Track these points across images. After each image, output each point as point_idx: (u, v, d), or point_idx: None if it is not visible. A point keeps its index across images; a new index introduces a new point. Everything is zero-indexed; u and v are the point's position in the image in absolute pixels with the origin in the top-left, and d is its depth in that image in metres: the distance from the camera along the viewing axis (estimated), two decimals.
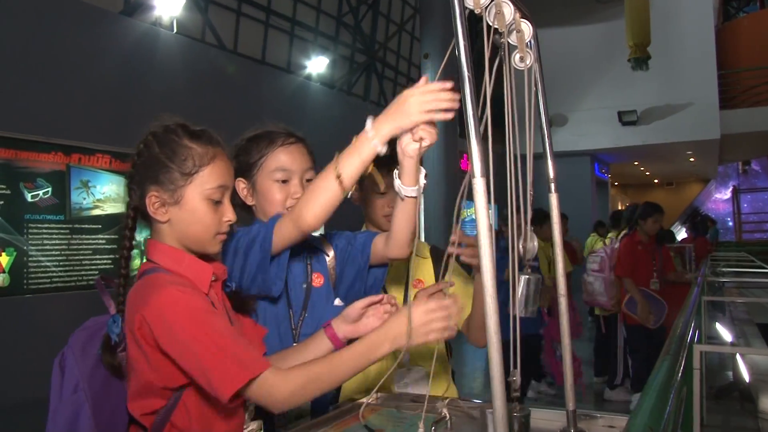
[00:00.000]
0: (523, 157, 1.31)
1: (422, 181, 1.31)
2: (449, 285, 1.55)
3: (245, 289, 1.40)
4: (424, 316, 1.18)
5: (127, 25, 6.73)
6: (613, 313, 5.62)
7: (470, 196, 1.00)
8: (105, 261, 6.08)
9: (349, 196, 1.83)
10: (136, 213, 1.27)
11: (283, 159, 1.50)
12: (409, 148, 1.24)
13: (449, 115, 1.15)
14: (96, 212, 6.07)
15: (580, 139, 13.29)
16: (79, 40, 6.04)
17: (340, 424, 1.50)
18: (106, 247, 6.15)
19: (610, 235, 7.03)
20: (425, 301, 1.21)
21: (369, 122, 1.21)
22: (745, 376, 2.90)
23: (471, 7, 1.07)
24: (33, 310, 5.48)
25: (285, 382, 1.12)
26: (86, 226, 6.00)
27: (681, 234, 15.57)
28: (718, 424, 2.50)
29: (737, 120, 12.30)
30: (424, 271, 1.86)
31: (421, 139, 1.21)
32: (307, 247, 1.55)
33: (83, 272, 5.94)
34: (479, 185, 1.03)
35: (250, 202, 1.53)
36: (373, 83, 12.04)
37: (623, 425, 1.40)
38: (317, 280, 1.56)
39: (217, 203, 1.25)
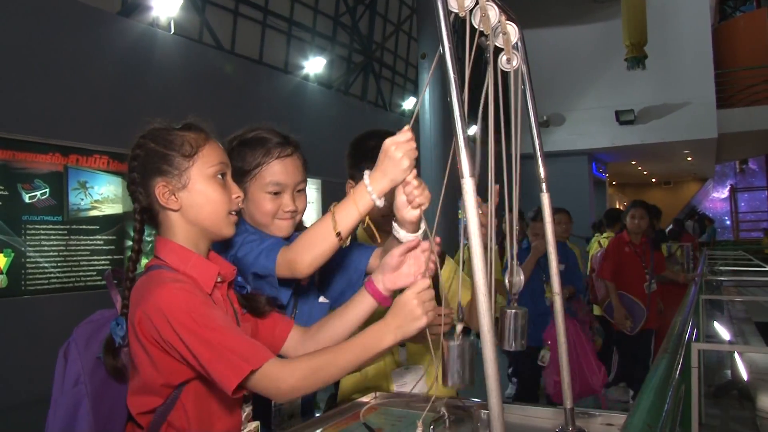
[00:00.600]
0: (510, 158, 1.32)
1: (423, 227, 1.34)
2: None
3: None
4: (415, 298, 1.17)
5: (125, 25, 6.72)
6: None
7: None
8: (103, 262, 6.08)
9: (346, 193, 1.83)
10: (144, 215, 1.28)
11: (278, 172, 1.50)
12: (408, 215, 1.29)
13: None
14: (94, 213, 6.08)
15: (577, 139, 13.30)
16: (76, 41, 6.04)
17: (340, 423, 1.50)
18: (104, 248, 6.15)
19: (605, 234, 6.99)
20: (411, 286, 1.20)
21: (366, 176, 1.24)
22: (744, 374, 2.90)
23: (455, 11, 1.07)
24: (31, 311, 5.48)
25: (290, 372, 1.13)
26: (84, 227, 6.00)
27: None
28: (717, 423, 2.49)
29: (734, 119, 12.32)
30: None
31: (420, 205, 1.28)
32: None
33: (81, 273, 5.93)
34: (468, 185, 1.03)
35: (240, 205, 1.54)
36: (370, 83, 12.04)
37: (621, 423, 1.41)
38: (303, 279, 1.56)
39: (223, 181, 1.29)
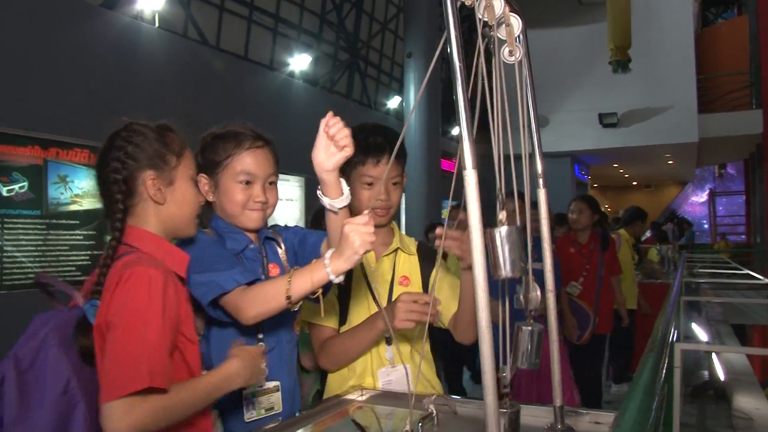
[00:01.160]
0: (510, 156, 1.31)
1: (346, 188, 1.40)
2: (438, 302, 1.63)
3: None
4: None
5: (109, 17, 6.64)
6: None
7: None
8: (82, 257, 5.99)
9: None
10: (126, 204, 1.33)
11: (249, 162, 1.54)
12: (328, 163, 1.34)
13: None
14: (73, 207, 5.98)
15: (560, 141, 13.37)
16: (58, 32, 5.94)
17: (326, 420, 1.49)
18: (84, 243, 6.05)
19: None
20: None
21: (328, 253, 1.29)
22: (721, 375, 2.93)
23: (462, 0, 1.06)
24: (8, 307, 5.38)
25: (129, 412, 1.11)
26: (63, 221, 5.89)
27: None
28: (694, 422, 2.52)
29: (715, 124, 12.45)
30: (411, 268, 1.85)
31: (344, 147, 1.33)
32: (260, 238, 1.63)
33: (60, 268, 5.83)
34: (470, 177, 1.02)
35: (211, 198, 1.57)
36: (356, 81, 12.03)
37: (609, 421, 1.41)
38: (273, 271, 1.62)
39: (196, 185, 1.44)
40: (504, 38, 1.25)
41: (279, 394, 1.57)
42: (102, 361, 1.16)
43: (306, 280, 1.31)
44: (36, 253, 5.67)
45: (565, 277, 4.55)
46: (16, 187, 5.52)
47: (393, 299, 1.66)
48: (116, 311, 1.16)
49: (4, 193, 5.42)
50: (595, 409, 1.46)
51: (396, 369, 1.74)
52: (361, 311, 1.76)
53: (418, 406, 1.50)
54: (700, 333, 3.65)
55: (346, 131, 1.33)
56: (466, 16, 1.20)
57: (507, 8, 1.21)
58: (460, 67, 1.05)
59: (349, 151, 1.33)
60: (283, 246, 1.67)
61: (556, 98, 13.33)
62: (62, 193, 5.88)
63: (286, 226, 1.75)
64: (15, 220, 5.50)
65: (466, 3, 1.10)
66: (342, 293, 1.77)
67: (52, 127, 5.74)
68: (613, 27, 9.95)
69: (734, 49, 13.95)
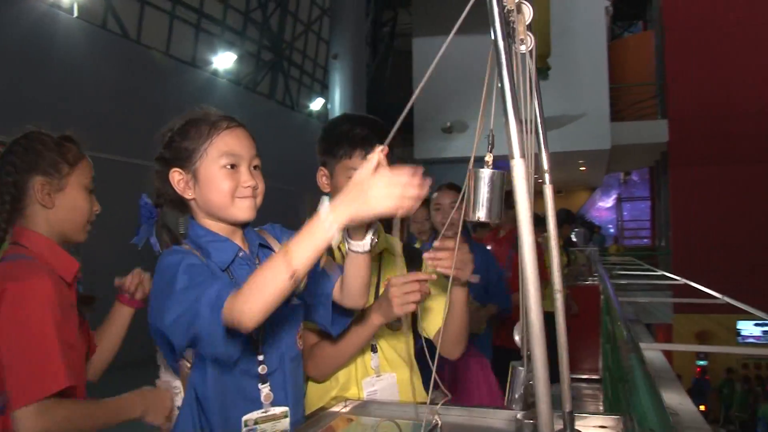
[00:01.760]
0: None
1: (371, 236, 1.24)
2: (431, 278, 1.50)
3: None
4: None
5: (23, 4, 6.24)
6: None
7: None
8: None
9: (318, 182, 1.70)
10: (13, 205, 1.42)
11: (231, 143, 1.32)
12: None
13: (416, 206, 1.05)
14: None
15: (480, 145, 13.57)
16: None
17: None
18: None
19: None
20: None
21: (325, 203, 1.09)
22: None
23: None
24: None
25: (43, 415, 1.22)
26: None
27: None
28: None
29: (624, 132, 13.01)
30: (396, 269, 1.75)
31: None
32: (251, 244, 1.41)
33: None
34: (518, 167, 0.96)
35: (190, 195, 1.33)
36: (279, 82, 11.81)
37: (614, 425, 1.38)
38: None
39: (90, 195, 1.48)
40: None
41: (287, 421, 1.38)
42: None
43: (306, 244, 1.07)
44: None
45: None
46: None
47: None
48: (8, 325, 1.26)
49: None
50: (601, 413, 1.43)
51: (381, 378, 1.65)
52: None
53: (411, 416, 1.43)
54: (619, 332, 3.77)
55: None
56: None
57: None
58: (506, 54, 0.99)
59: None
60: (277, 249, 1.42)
61: (475, 104, 13.44)
62: None
63: (271, 225, 1.53)
64: None
65: None
66: None
67: None
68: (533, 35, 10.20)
69: (641, 61, 14.68)
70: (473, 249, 1.67)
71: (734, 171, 11.48)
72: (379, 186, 1.02)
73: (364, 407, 1.55)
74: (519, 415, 1.26)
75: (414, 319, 1.66)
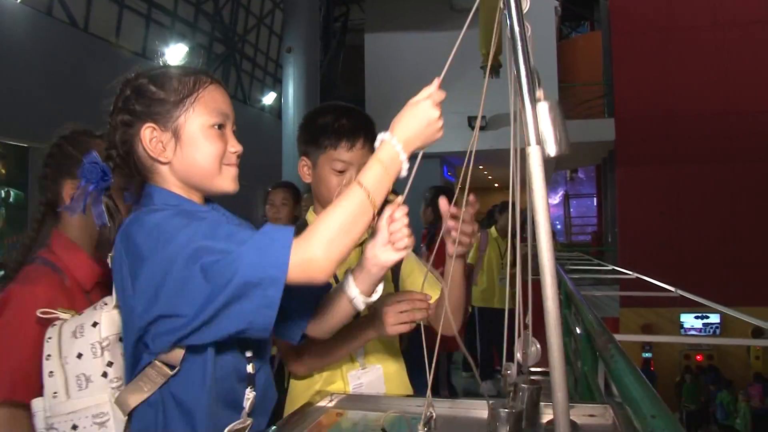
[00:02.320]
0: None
1: (380, 288, 1.19)
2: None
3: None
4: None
5: None
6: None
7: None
8: None
9: (299, 171, 1.66)
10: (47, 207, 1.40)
11: (219, 99, 1.14)
12: (383, 257, 1.10)
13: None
14: None
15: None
16: None
17: (313, 430, 1.34)
18: None
19: None
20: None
21: (387, 135, 1.05)
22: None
23: None
24: None
25: None
26: None
27: None
28: None
29: (573, 130, 12.91)
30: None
31: (405, 248, 1.09)
32: None
33: None
34: (534, 153, 0.97)
35: (165, 158, 1.11)
36: (231, 75, 11.62)
37: (602, 413, 1.39)
38: None
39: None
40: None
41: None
42: None
43: (383, 177, 1.01)
44: None
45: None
46: None
47: None
48: None
49: None
50: (589, 402, 1.44)
51: (367, 371, 1.62)
52: None
53: (400, 409, 1.41)
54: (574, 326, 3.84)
55: (406, 233, 1.08)
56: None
57: None
58: (520, 33, 0.99)
59: (405, 253, 1.10)
60: None
61: None
62: None
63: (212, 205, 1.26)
64: None
65: None
66: None
67: None
68: (484, 33, 10.32)
69: (589, 61, 15.01)
70: None
71: (677, 170, 11.86)
72: (437, 119, 1.07)
73: (351, 401, 1.53)
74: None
75: None
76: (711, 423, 10.84)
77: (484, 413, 1.39)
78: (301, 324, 1.27)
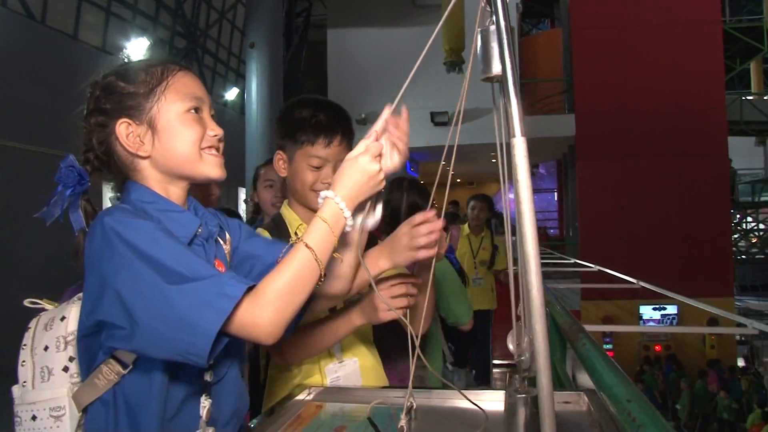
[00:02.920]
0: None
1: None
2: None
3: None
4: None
5: None
6: None
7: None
8: None
9: (274, 165, 1.66)
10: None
11: (190, 84, 1.13)
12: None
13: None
14: None
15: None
16: None
17: (294, 423, 1.35)
18: None
19: None
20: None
21: (329, 192, 1.08)
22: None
23: None
24: None
25: None
26: None
27: None
28: None
29: (534, 125, 13.41)
30: None
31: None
32: (205, 224, 1.18)
33: None
34: (519, 145, 1.00)
35: (144, 152, 1.09)
36: (193, 71, 11.45)
37: (577, 399, 1.43)
38: (219, 268, 1.11)
39: None
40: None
41: None
42: None
43: (330, 241, 1.03)
44: None
45: None
46: None
47: None
48: None
49: None
50: (562, 390, 1.48)
51: (344, 364, 1.64)
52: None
53: (377, 400, 1.43)
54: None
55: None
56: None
57: None
58: (505, 25, 1.02)
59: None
60: (228, 236, 1.22)
61: (390, 96, 13.59)
62: None
63: (229, 218, 1.30)
64: None
65: None
66: None
67: None
68: (447, 29, 10.40)
69: (550, 58, 15.22)
70: None
71: (634, 164, 12.10)
72: (377, 172, 1.11)
73: (330, 393, 1.54)
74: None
75: None
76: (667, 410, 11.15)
77: (458, 402, 1.43)
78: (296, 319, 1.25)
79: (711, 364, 11.18)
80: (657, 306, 11.95)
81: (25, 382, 1.10)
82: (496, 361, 6.39)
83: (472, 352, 5.59)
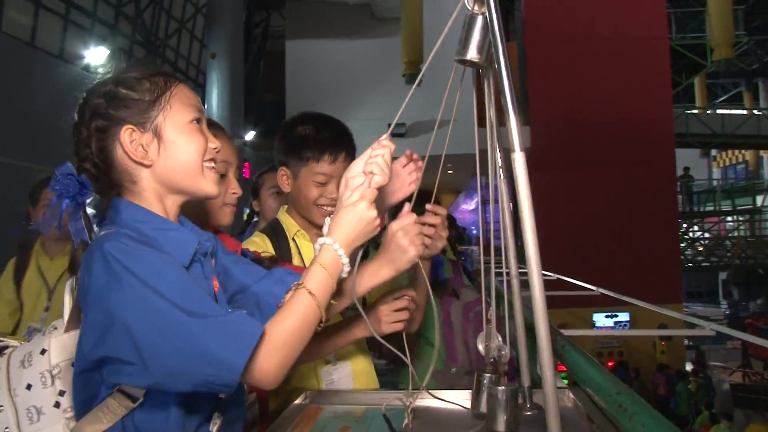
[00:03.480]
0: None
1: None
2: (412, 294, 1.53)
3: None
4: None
5: None
6: None
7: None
8: None
9: (278, 181, 1.70)
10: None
11: (191, 95, 1.11)
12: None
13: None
14: None
15: None
16: None
17: (299, 425, 1.40)
18: None
19: None
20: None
21: (327, 239, 1.09)
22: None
23: None
24: None
25: None
26: None
27: None
28: None
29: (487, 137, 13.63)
30: None
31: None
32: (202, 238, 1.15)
33: None
34: (519, 160, 1.06)
35: (149, 161, 1.06)
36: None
37: (561, 396, 1.51)
38: (215, 284, 1.16)
39: None
40: None
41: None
42: None
43: (329, 285, 1.05)
44: None
45: None
46: None
47: None
48: None
49: None
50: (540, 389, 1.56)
51: (338, 367, 1.69)
52: None
53: (371, 402, 1.49)
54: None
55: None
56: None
57: None
58: (501, 40, 1.08)
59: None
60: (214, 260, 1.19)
61: (348, 107, 13.70)
62: None
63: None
64: None
65: None
66: None
67: None
68: (406, 42, 10.56)
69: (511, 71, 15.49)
70: None
71: (589, 174, 12.43)
72: (374, 218, 1.12)
73: (327, 396, 1.58)
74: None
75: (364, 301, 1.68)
76: None
77: (458, 402, 1.49)
78: None
79: (660, 368, 11.59)
80: (609, 314, 12.27)
81: (7, 428, 1.02)
82: None
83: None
